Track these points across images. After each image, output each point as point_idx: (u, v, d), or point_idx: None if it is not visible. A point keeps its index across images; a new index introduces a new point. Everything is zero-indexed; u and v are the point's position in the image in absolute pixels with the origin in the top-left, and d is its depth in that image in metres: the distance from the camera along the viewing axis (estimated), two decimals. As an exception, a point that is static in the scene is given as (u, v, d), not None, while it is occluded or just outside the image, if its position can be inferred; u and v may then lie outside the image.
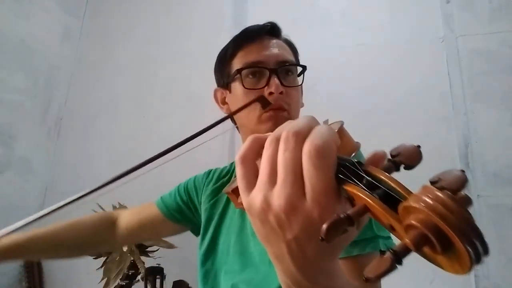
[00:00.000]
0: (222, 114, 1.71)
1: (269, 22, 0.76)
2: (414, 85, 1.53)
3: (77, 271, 1.65)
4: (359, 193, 0.25)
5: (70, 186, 1.73)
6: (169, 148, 0.41)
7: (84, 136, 1.89)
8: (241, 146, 0.33)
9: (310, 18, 1.74)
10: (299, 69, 0.75)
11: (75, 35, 2.06)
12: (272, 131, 0.33)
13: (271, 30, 0.75)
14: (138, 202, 0.98)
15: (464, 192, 0.22)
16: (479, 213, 1.32)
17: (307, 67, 0.76)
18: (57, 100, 1.92)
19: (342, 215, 0.24)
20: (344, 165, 0.28)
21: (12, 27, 1.67)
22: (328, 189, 0.27)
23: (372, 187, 0.25)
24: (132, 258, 1.34)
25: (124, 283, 1.33)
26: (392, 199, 0.24)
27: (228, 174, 0.86)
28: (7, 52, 1.65)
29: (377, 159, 0.30)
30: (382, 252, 0.22)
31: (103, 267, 1.35)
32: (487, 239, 0.20)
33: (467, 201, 0.21)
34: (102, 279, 1.33)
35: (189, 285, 1.35)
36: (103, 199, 1.41)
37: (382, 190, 0.25)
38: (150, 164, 0.43)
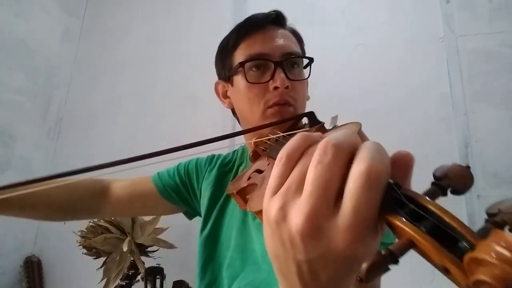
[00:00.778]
0: (222, 114, 1.71)
1: (274, 11, 0.71)
2: (414, 85, 1.53)
3: (77, 271, 1.65)
4: (403, 226, 0.22)
5: (70, 186, 1.73)
6: (175, 148, 0.40)
7: (84, 136, 1.89)
8: (289, 142, 0.28)
9: (310, 18, 1.74)
10: (305, 61, 0.71)
11: (75, 35, 2.06)
12: None
13: (276, 19, 0.71)
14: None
15: None
16: (479, 213, 1.32)
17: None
18: (57, 100, 1.93)
19: (384, 252, 0.21)
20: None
21: (12, 27, 1.67)
22: (371, 219, 0.23)
23: (417, 217, 0.22)
24: (132, 258, 1.34)
25: (124, 283, 1.33)
26: (443, 234, 0.21)
27: (230, 163, 0.82)
28: (7, 52, 1.65)
29: (403, 164, 0.25)
30: None
31: (103, 267, 1.35)
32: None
33: None
34: (102, 279, 1.33)
35: (189, 285, 1.35)
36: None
37: (430, 223, 0.21)
38: (150, 159, 0.42)
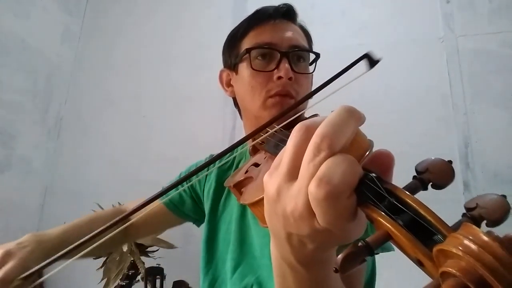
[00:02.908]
0: (222, 114, 1.71)
1: (284, 4, 0.72)
2: (414, 85, 1.53)
3: (77, 271, 1.65)
4: (380, 219, 0.22)
5: (70, 186, 1.73)
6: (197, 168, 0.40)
7: (84, 136, 1.89)
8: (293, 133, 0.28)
9: (310, 18, 1.73)
10: (312, 57, 0.71)
11: (75, 35, 2.06)
12: None
13: (287, 13, 0.71)
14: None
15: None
16: (479, 213, 1.32)
17: None
18: (57, 100, 1.92)
19: (360, 244, 0.21)
20: (362, 181, 0.24)
21: (12, 27, 1.67)
22: (340, 221, 0.24)
23: (396, 210, 0.22)
24: (132, 258, 1.34)
25: (124, 283, 1.33)
26: (420, 227, 0.21)
27: (229, 160, 0.82)
28: (7, 52, 1.65)
29: (382, 162, 0.26)
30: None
31: (103, 267, 1.35)
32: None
33: None
34: (102, 279, 1.33)
35: (189, 285, 1.35)
36: (103, 199, 1.41)
37: (408, 216, 0.22)
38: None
